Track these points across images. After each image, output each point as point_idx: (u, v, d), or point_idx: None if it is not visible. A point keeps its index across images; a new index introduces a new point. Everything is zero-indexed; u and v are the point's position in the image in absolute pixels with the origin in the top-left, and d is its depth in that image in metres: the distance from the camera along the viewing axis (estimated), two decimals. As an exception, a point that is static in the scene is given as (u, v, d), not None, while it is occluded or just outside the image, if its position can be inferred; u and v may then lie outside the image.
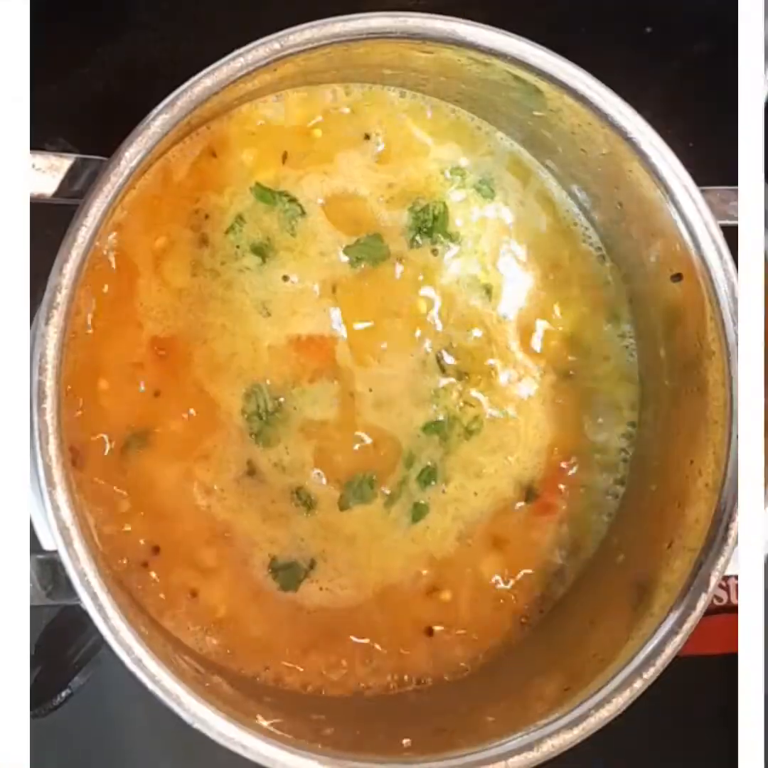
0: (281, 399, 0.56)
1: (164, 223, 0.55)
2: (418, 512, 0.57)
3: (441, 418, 0.58)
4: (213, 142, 0.56)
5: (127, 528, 0.54)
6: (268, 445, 0.56)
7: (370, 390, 0.57)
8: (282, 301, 0.56)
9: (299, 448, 0.56)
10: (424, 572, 0.58)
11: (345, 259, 0.57)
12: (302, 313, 0.56)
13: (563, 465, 0.59)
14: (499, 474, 0.58)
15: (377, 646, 0.57)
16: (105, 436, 0.54)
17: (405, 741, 0.51)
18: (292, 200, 0.56)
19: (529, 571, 0.59)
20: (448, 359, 0.58)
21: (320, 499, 0.56)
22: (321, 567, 0.56)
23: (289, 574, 0.56)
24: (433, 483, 0.57)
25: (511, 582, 0.58)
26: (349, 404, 0.57)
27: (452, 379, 0.58)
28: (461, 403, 0.58)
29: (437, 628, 0.58)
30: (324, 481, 0.56)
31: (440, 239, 0.58)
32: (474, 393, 0.58)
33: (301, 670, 0.56)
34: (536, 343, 0.59)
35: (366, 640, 0.57)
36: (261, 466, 0.56)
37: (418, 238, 0.57)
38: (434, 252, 0.58)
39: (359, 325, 0.57)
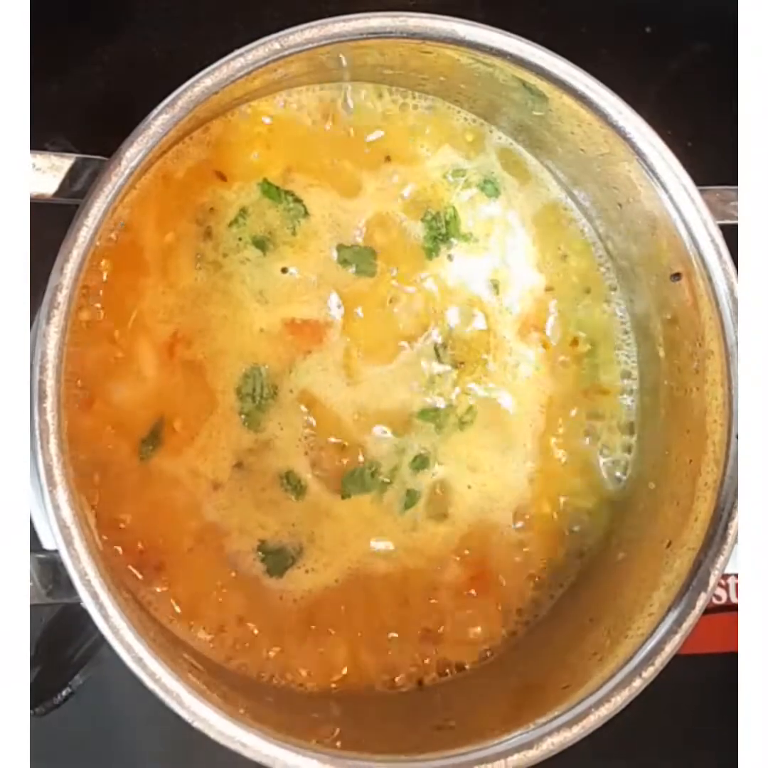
0: (277, 386, 0.56)
1: (172, 219, 0.55)
2: (411, 499, 0.57)
3: (437, 406, 0.58)
4: (217, 156, 0.56)
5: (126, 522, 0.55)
6: (260, 429, 0.56)
7: (365, 377, 0.57)
8: (280, 291, 0.56)
9: (293, 428, 0.56)
10: (422, 567, 0.57)
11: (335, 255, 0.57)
12: (299, 300, 0.56)
13: (562, 464, 0.59)
14: (494, 471, 0.58)
15: (377, 646, 0.57)
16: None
17: (405, 740, 0.51)
18: (298, 201, 0.57)
19: (528, 570, 0.59)
20: (445, 348, 0.58)
21: (310, 484, 0.56)
22: (309, 551, 0.56)
23: (277, 559, 0.56)
24: (425, 470, 0.57)
25: (511, 580, 0.58)
26: (344, 383, 0.57)
27: (448, 367, 0.58)
28: (457, 392, 0.58)
29: (435, 626, 0.57)
30: (317, 466, 0.56)
31: (454, 243, 0.58)
32: (469, 383, 0.58)
33: (299, 667, 0.56)
34: (536, 338, 0.59)
35: (364, 638, 0.57)
36: (256, 451, 0.56)
37: (435, 246, 0.58)
38: (450, 257, 0.58)
39: (356, 312, 0.57)
